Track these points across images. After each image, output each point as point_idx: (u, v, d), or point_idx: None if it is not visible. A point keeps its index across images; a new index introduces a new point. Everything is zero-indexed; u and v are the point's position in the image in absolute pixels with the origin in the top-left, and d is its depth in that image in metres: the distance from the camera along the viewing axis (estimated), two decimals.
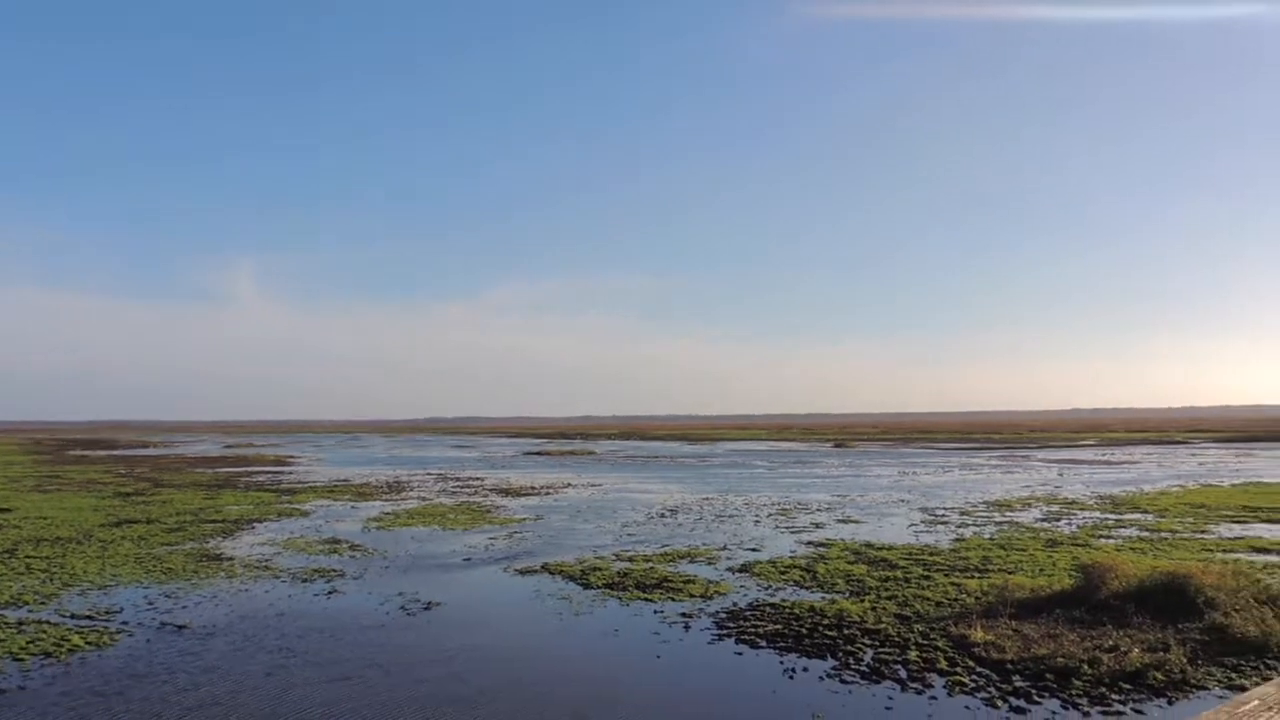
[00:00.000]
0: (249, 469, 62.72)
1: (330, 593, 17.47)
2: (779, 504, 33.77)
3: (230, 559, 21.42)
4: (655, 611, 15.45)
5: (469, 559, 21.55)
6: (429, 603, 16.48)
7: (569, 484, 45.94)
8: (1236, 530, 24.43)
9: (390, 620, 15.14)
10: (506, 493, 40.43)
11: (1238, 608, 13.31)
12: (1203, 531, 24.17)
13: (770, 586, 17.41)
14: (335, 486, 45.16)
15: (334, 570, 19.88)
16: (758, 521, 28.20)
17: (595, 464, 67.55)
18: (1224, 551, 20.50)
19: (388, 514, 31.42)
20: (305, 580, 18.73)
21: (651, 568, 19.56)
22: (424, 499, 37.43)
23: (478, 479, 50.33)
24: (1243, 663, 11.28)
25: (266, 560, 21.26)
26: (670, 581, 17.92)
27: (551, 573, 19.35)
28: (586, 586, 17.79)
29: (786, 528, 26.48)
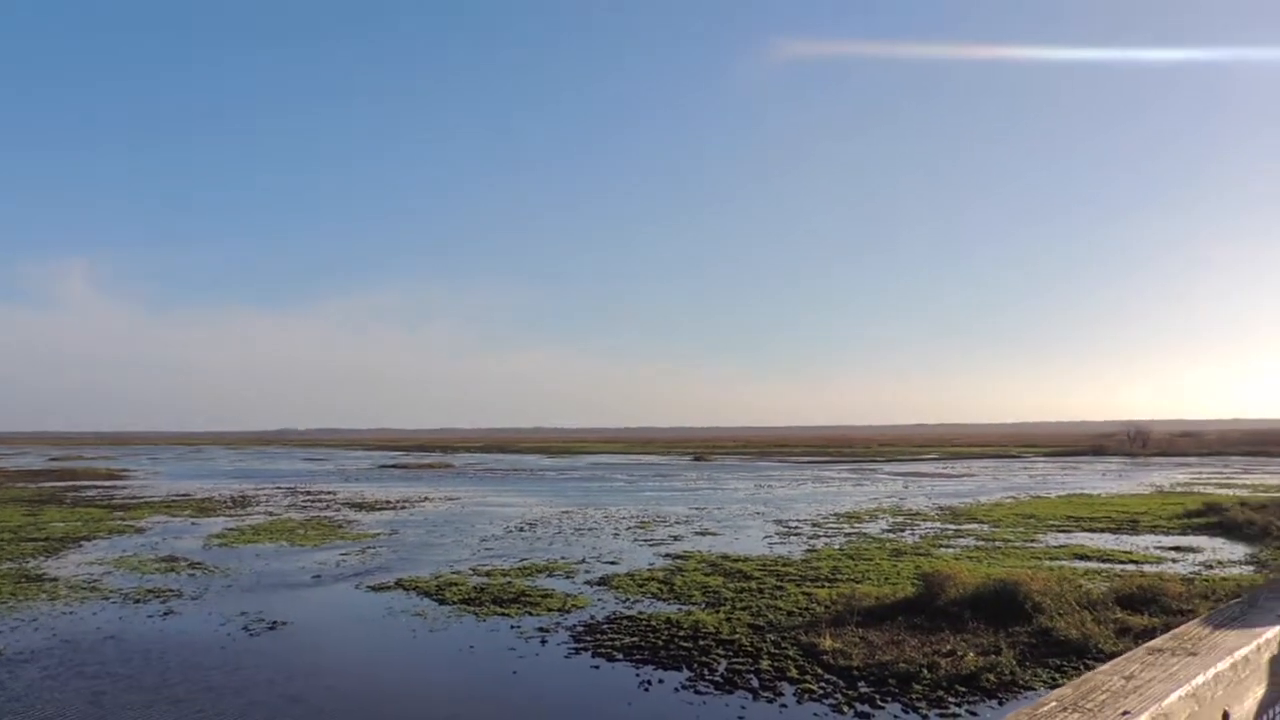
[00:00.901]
0: (77, 483, 58.61)
1: (166, 614, 16.48)
2: (638, 517, 34.01)
3: (54, 580, 19.93)
4: (512, 626, 15.26)
5: (318, 576, 20.75)
6: (274, 622, 15.76)
7: (426, 498, 44.96)
8: (1061, 539, 26.11)
9: (231, 641, 14.39)
10: (360, 507, 39.20)
11: (1062, 612, 14.23)
12: (1032, 540, 25.71)
13: (628, 599, 17.48)
14: (174, 501, 42.72)
15: (171, 590, 18.77)
16: (617, 534, 28.31)
17: (454, 477, 66.42)
18: (1050, 559, 21.86)
19: (232, 530, 29.93)
20: (138, 601, 17.61)
21: (509, 582, 19.33)
22: (272, 514, 35.85)
23: (330, 493, 48.61)
24: (1065, 663, 12.04)
25: (95, 580, 19.88)
26: (528, 596, 17.75)
27: (405, 589, 18.84)
28: (442, 602, 17.41)
29: (645, 540, 26.68)
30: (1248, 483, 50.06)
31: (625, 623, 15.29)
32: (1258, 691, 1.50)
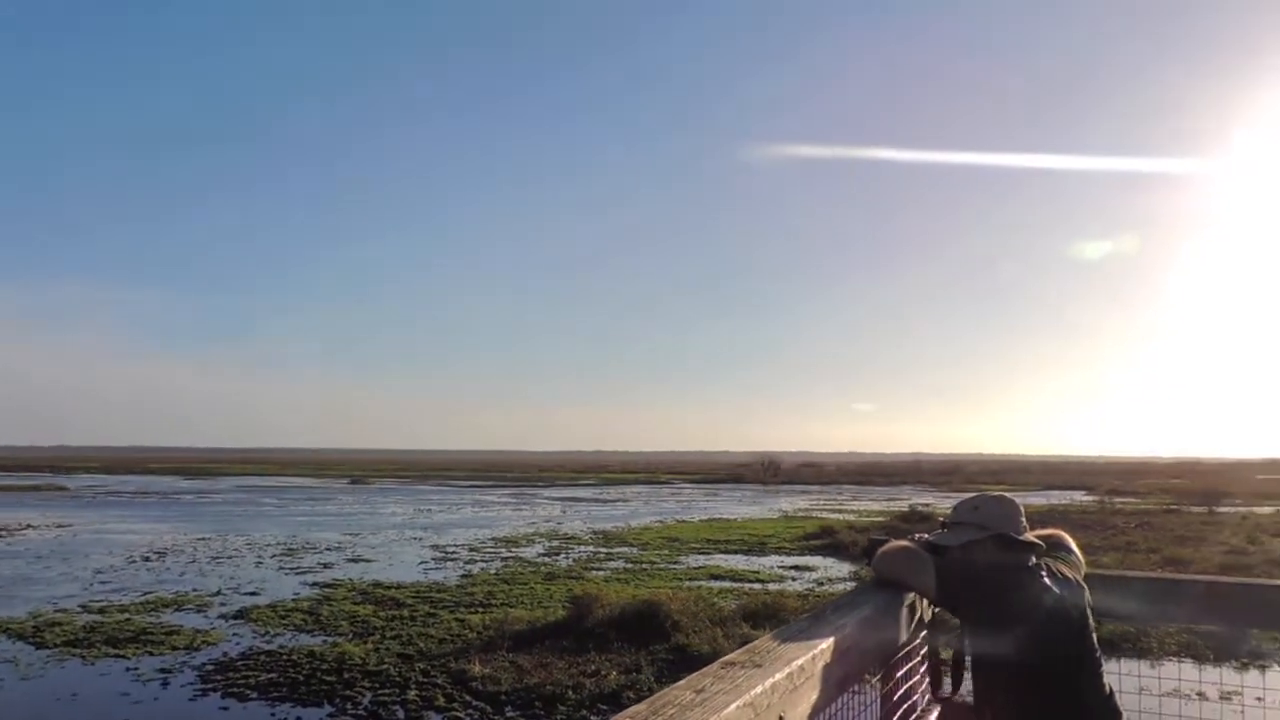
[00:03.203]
0: None
1: None
2: (285, 543, 31.97)
3: None
4: (128, 669, 13.68)
5: None
6: None
7: (28, 525, 39.17)
8: (700, 560, 28.11)
9: None
10: None
11: (696, 629, 15.33)
12: (675, 562, 27.45)
13: (268, 633, 16.35)
14: None
15: None
16: (260, 563, 26.42)
17: (67, 501, 58.48)
18: (690, 579, 23.46)
19: None
20: None
21: (128, 619, 17.34)
22: None
23: None
24: None
25: None
26: (150, 633, 16.02)
27: None
28: (40, 645, 15.22)
29: (291, 569, 25.14)
30: (855, 508, 56.93)
31: (263, 658, 14.28)
32: (811, 697, 1.72)
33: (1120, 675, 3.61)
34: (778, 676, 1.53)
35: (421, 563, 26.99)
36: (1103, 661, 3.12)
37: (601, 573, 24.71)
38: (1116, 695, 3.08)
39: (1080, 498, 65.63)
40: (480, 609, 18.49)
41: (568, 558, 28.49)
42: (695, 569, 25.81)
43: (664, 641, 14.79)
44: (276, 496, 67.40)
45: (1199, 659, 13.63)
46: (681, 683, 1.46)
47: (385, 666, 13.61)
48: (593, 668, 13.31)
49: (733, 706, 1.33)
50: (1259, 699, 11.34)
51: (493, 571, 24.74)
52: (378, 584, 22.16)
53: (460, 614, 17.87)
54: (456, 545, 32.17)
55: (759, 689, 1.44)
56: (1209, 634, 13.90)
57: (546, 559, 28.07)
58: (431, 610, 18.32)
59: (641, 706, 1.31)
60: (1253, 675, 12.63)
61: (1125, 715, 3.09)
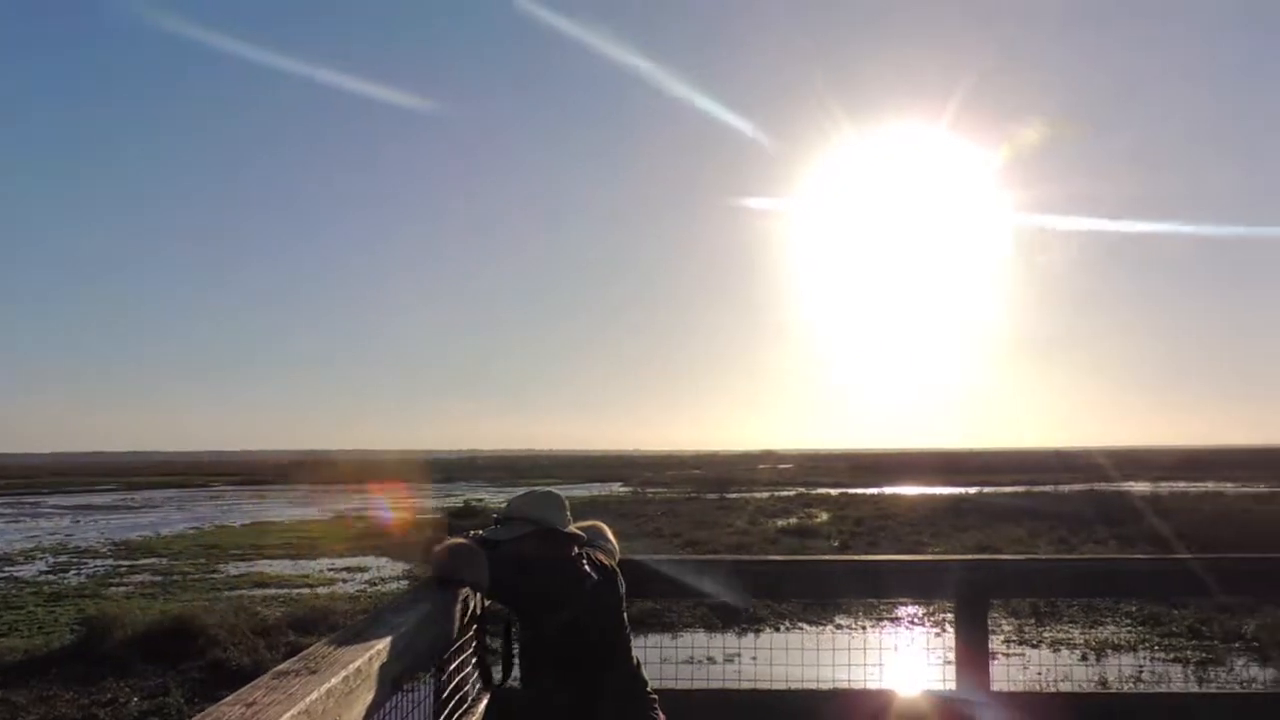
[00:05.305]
0: None
1: None
2: None
3: None
4: None
5: None
6: None
7: None
8: (244, 568, 26.24)
9: None
10: None
11: (236, 642, 14.28)
12: (214, 571, 25.34)
13: None
14: None
15: None
16: None
17: None
18: (231, 589, 21.79)
19: None
20: None
21: None
22: None
23: None
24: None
25: None
26: None
27: None
28: None
29: None
30: (410, 506, 56.81)
31: None
32: (367, 698, 1.73)
33: (645, 648, 4.04)
34: (333, 681, 1.51)
35: None
36: (632, 638, 3.49)
37: (123, 589, 22.02)
38: (643, 666, 3.47)
39: (618, 489, 71.75)
40: None
41: (79, 574, 24.99)
42: (236, 577, 24.03)
43: (198, 659, 13.58)
44: None
45: (710, 629, 15.61)
46: (230, 698, 1.39)
47: None
48: (109, 696, 11.83)
49: (286, 716, 1.30)
50: (753, 658, 13.29)
51: None
52: None
53: None
54: None
55: (314, 695, 1.42)
56: (720, 606, 15.97)
57: (51, 577, 24.38)
58: None
59: None
60: (749, 638, 14.77)
61: (651, 683, 3.49)
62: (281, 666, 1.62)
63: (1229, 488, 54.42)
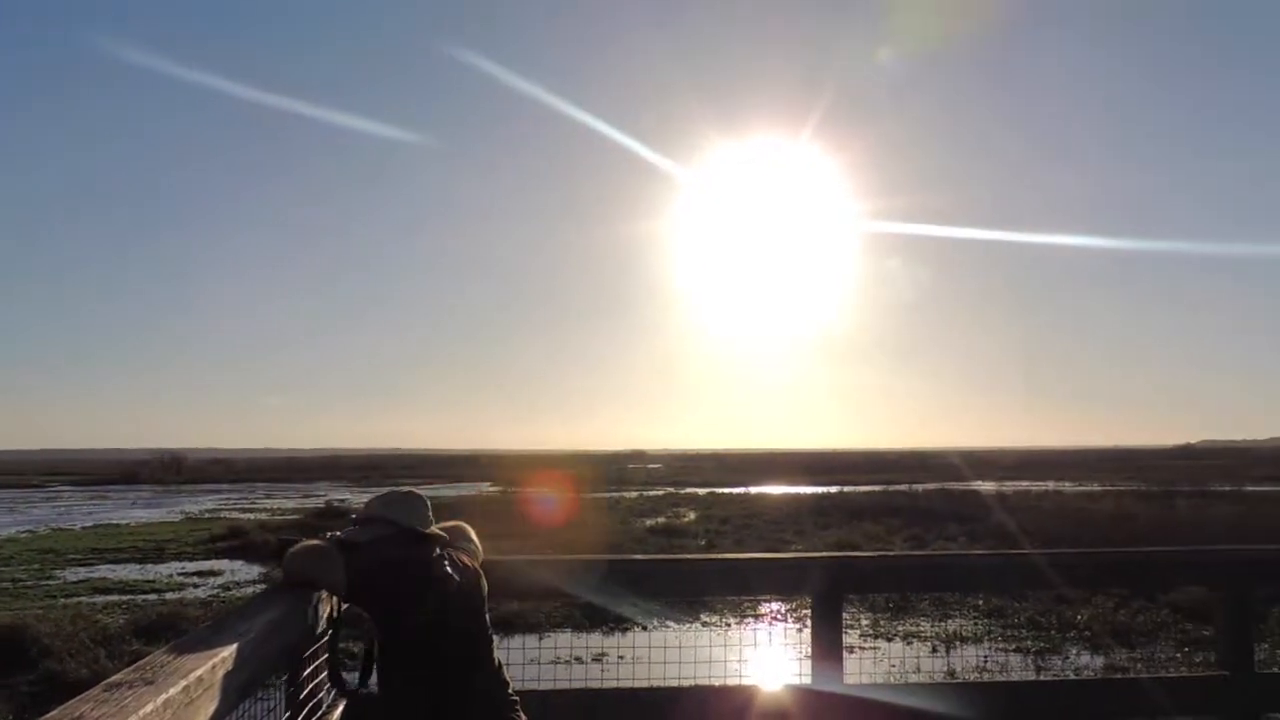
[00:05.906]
0: None
1: None
2: None
3: None
4: None
5: None
6: None
7: None
8: (83, 573, 24.71)
9: None
10: None
11: (73, 652, 13.43)
12: (49, 578, 23.77)
13: None
14: None
15: None
16: None
17: None
18: (68, 596, 20.49)
19: None
20: None
21: None
22: None
23: None
24: None
25: None
26: None
27: None
28: None
29: None
30: (269, 506, 54.72)
31: None
32: (210, 708, 1.65)
33: (509, 649, 4.01)
34: (172, 691, 1.44)
35: None
36: (494, 639, 3.46)
37: None
38: (505, 667, 3.44)
39: (486, 488, 70.96)
40: None
41: None
42: (75, 583, 22.60)
43: (30, 671, 12.72)
44: None
45: (577, 628, 15.63)
46: (54, 712, 1.31)
47: None
48: None
49: None
50: (620, 657, 13.37)
51: None
52: None
53: None
54: None
55: (149, 707, 1.34)
56: (587, 606, 15.97)
57: None
58: None
59: None
60: (615, 638, 14.84)
61: (513, 684, 3.46)
62: (114, 678, 1.53)
63: (1066, 486, 58.22)
